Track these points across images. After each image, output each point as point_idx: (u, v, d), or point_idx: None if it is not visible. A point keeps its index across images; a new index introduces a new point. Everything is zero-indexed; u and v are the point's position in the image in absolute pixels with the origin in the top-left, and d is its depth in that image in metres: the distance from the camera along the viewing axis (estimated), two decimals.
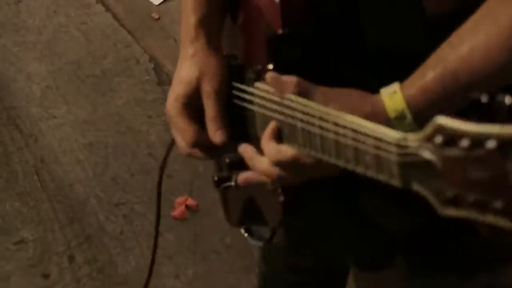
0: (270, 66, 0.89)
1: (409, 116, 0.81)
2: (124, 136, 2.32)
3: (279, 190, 0.94)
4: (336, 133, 0.76)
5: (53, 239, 2.00)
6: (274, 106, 0.87)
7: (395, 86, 0.82)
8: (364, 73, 0.88)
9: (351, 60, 0.90)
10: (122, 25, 2.70)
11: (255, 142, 0.93)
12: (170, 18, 2.71)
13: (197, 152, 1.01)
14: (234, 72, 1.01)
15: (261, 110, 0.91)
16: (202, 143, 0.99)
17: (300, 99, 0.82)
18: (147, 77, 2.52)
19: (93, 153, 2.26)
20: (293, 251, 1.31)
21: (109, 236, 2.01)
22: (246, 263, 1.95)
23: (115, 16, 2.73)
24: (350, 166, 0.76)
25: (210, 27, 1.01)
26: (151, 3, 2.73)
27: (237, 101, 0.99)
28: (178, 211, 2.05)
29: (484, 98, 0.57)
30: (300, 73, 0.87)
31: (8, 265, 1.94)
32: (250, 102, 0.95)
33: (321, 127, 0.78)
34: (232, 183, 1.03)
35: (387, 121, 0.81)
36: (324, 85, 0.86)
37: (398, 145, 0.66)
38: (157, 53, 2.58)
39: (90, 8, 2.78)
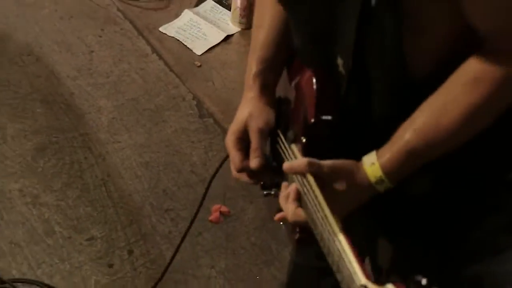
0: (303, 139, 0.95)
1: (386, 180, 0.87)
2: (173, 157, 2.41)
3: (297, 229, 0.97)
4: (328, 239, 0.79)
5: (116, 237, 2.11)
6: (298, 175, 0.90)
7: (373, 158, 0.87)
8: (376, 139, 0.91)
9: (364, 132, 0.95)
10: (171, 70, 2.78)
11: (287, 176, 0.98)
12: (210, 66, 2.77)
13: (244, 176, 1.07)
14: (282, 119, 1.05)
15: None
16: (246, 169, 1.05)
17: (316, 190, 0.83)
18: (191, 112, 2.61)
19: (148, 170, 2.35)
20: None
21: (160, 235, 2.13)
22: (267, 258, 2.09)
23: (166, 63, 2.81)
24: (334, 268, 0.77)
25: (265, 80, 1.07)
26: (194, 53, 2.83)
27: (278, 147, 1.06)
28: (214, 216, 2.18)
29: (424, 281, 0.61)
30: (328, 145, 0.93)
31: (81, 256, 2.05)
32: (285, 155, 1.00)
33: (321, 225, 0.81)
34: (272, 192, 1.08)
35: (370, 184, 0.87)
36: (345, 152, 0.90)
37: None
38: (198, 93, 2.67)
39: (147, 57, 2.85)
